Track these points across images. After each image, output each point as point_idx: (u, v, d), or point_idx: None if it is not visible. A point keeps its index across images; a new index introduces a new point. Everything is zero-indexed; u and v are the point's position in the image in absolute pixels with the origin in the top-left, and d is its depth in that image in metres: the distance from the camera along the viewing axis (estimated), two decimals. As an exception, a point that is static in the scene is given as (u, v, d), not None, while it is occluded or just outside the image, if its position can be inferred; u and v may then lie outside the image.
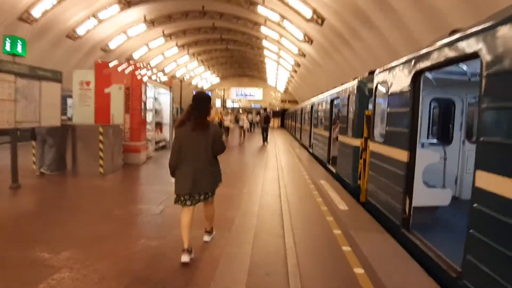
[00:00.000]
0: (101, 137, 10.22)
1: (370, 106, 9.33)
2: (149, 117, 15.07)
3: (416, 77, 5.64)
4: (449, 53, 4.60)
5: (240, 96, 63.74)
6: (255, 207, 7.14)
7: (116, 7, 23.72)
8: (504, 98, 3.32)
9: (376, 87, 7.63)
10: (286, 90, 59.72)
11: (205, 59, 46.56)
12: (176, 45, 35.69)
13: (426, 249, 5.01)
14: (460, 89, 8.01)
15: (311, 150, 18.88)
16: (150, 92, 15.14)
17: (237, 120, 26.98)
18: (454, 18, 11.49)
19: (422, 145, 7.37)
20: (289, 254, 4.72)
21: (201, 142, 4.51)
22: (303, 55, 28.52)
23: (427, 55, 5.24)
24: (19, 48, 13.15)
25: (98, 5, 23.44)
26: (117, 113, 12.19)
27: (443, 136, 8.73)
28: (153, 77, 14.12)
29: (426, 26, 12.99)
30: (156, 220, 6.20)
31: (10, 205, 7.02)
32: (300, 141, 25.90)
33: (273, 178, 10.40)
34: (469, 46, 4.03)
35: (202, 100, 4.72)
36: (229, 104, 58.10)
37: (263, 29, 28.10)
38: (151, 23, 28.12)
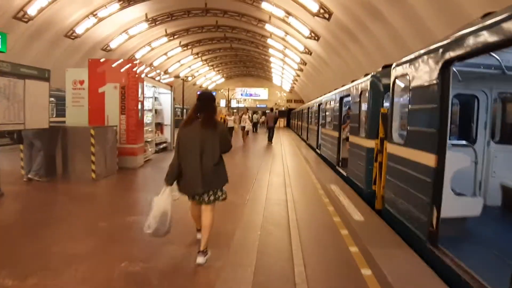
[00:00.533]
0: (92, 140, 9.50)
1: (385, 104, 8.59)
2: (148, 117, 14.38)
3: (445, 68, 4.81)
4: (490, 37, 3.79)
5: (245, 96, 62.96)
6: (258, 218, 6.34)
7: (116, 5, 23.06)
8: None
9: (394, 82, 6.80)
10: (291, 90, 58.88)
11: (209, 59, 45.80)
12: (180, 44, 34.98)
13: (459, 270, 4.21)
14: (485, 83, 7.17)
15: (318, 151, 18.06)
16: (149, 92, 14.46)
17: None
18: (472, 9, 10.62)
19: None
20: (299, 283, 3.91)
21: (209, 140, 4.46)
22: (309, 52, 27.67)
23: (459, 42, 4.42)
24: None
25: (97, 3, 22.79)
26: (112, 114, 11.45)
27: (466, 136, 7.90)
28: (152, 74, 13.37)
29: (441, 18, 12.12)
30: (144, 235, 5.41)
31: (-16, 217, 6.28)
32: (307, 141, 25.08)
33: (279, 184, 9.59)
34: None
35: (207, 99, 4.71)
36: (234, 104, 57.29)
37: (268, 27, 27.27)
38: (153, 21, 27.42)
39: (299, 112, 36.38)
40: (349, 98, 12.03)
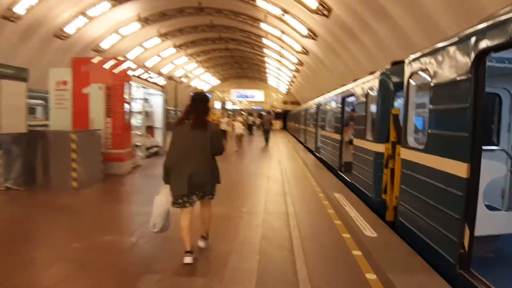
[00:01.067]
0: (73, 146, 8.65)
1: (396, 104, 7.79)
2: (138, 120, 13.55)
3: (479, 60, 4.02)
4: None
5: (241, 97, 62.04)
6: (256, 237, 5.50)
7: (107, 4, 22.17)
8: None
9: (409, 79, 6.01)
10: (288, 91, 58.11)
11: (204, 60, 44.91)
12: (174, 45, 34.12)
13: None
14: (510, 81, 6.38)
15: (318, 154, 17.25)
16: (138, 93, 13.64)
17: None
18: (486, 2, 9.86)
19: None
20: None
21: (200, 141, 4.47)
22: (307, 52, 26.88)
23: (500, 27, 3.63)
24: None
25: (87, 2, 21.89)
26: (97, 117, 10.61)
27: (485, 140, 7.11)
28: (143, 76, 12.52)
29: (451, 13, 11.34)
30: (122, 261, 4.58)
31: None
32: (305, 144, 24.27)
33: (278, 192, 8.76)
34: None
35: (201, 100, 4.72)
36: (229, 106, 56.39)
37: (264, 26, 26.47)
38: (145, 21, 26.57)
39: (296, 114, 35.57)
40: (352, 99, 11.25)
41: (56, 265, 4.34)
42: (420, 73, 5.62)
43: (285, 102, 60.73)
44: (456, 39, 4.44)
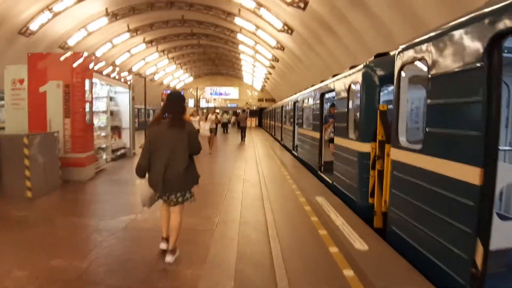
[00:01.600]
0: (26, 151, 7.70)
1: (383, 100, 7.15)
2: (102, 120, 12.55)
3: (494, 45, 3.37)
4: None
5: (215, 95, 60.90)
6: (231, 255, 4.72)
7: (72, -3, 20.87)
8: None
9: (401, 70, 5.34)
10: (263, 88, 57.43)
11: (176, 57, 43.58)
12: (144, 41, 32.85)
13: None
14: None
15: (295, 153, 16.59)
16: (102, 91, 12.63)
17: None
18: None
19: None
20: None
21: (177, 140, 4.43)
22: (282, 48, 26.19)
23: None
24: None
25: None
26: (56, 118, 9.60)
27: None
28: (109, 72, 11.52)
29: (434, 5, 10.81)
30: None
31: None
32: (281, 141, 23.62)
33: (255, 197, 8.01)
34: None
35: (176, 99, 4.70)
36: (203, 104, 55.24)
37: (238, 20, 25.60)
38: (113, 16, 25.28)
39: (271, 111, 34.85)
40: (331, 94, 10.61)
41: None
42: (415, 63, 4.96)
43: (260, 100, 60.08)
44: (465, 20, 3.77)
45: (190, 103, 52.14)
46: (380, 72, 6.88)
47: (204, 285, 3.85)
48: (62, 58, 9.64)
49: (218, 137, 29.67)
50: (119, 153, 13.84)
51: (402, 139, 5.31)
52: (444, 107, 4.11)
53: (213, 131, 17.06)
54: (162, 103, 28.18)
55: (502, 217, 4.16)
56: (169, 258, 4.48)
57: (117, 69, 13.37)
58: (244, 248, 4.96)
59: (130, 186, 9.11)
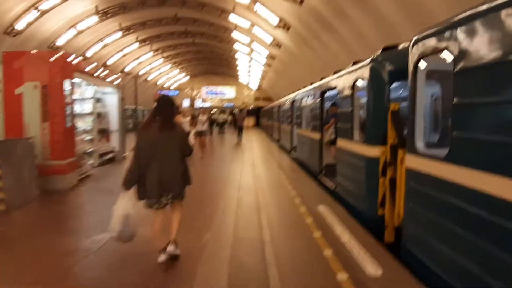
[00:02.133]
0: (-4, 159, 6.92)
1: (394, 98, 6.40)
2: (88, 123, 11.78)
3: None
4: None
5: (211, 94, 59.95)
6: (221, 285, 3.97)
7: (60, -5, 19.99)
8: None
9: (417, 63, 4.57)
10: (260, 87, 56.57)
11: (171, 56, 42.66)
12: (137, 40, 31.97)
13: None
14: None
15: (294, 155, 15.84)
16: (88, 91, 11.87)
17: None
18: None
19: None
20: None
21: (168, 143, 4.48)
22: (279, 45, 25.37)
23: None
24: None
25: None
26: (33, 122, 8.81)
27: None
28: (99, 71, 10.73)
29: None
30: None
31: None
32: (279, 142, 22.88)
33: (250, 207, 7.23)
34: None
35: (167, 102, 4.72)
36: (198, 104, 54.33)
37: (232, 17, 24.77)
38: (104, 14, 24.40)
39: (269, 110, 34.07)
40: (333, 93, 9.85)
41: None
42: (436, 55, 4.20)
43: (257, 98, 59.14)
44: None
45: (186, 103, 51.28)
46: (389, 67, 6.12)
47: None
48: (39, 57, 8.85)
49: (213, 138, 28.92)
50: (107, 157, 13.05)
51: (420, 144, 4.55)
52: (480, 108, 3.34)
53: (205, 133, 15.45)
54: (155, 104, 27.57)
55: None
56: (171, 248, 4.50)
57: (102, 68, 12.59)
58: (237, 274, 4.21)
59: (116, 195, 8.31)
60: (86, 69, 11.08)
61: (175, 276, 4.16)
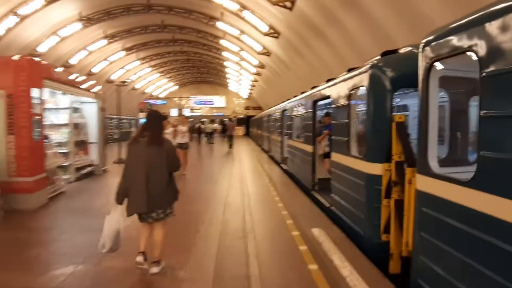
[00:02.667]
0: None
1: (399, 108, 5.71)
2: (63, 135, 10.94)
3: None
4: None
5: (199, 104, 58.98)
6: None
7: (40, 1, 19.11)
8: None
9: (429, 68, 3.87)
10: (250, 96, 55.94)
11: (158, 64, 41.80)
12: (122, 48, 31.16)
13: None
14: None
15: (284, 166, 15.09)
16: (63, 101, 11.06)
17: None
18: None
19: None
20: None
21: (156, 158, 4.52)
22: (268, 53, 24.74)
23: None
24: None
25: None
26: (-2, 134, 7.96)
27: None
28: (62, 76, 9.88)
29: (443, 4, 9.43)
30: None
31: None
32: (269, 153, 22.13)
33: (236, 231, 6.41)
34: None
35: (155, 118, 4.79)
36: (187, 113, 53.30)
37: (220, 25, 24.10)
38: (88, 20, 23.58)
39: (258, 120, 33.35)
40: (326, 102, 9.17)
41: None
42: (454, 57, 3.50)
43: (247, 108, 58.53)
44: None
45: (173, 112, 50.31)
46: (392, 73, 5.42)
47: None
48: (2, 63, 8.02)
49: (201, 148, 28.10)
50: (85, 171, 12.16)
51: (434, 164, 3.83)
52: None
53: (185, 146, 13.09)
54: (139, 113, 26.63)
55: None
56: (154, 269, 4.52)
57: (85, 77, 11.77)
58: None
59: (89, 217, 7.49)
60: (71, 77, 10.32)
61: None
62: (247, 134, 54.33)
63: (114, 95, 19.86)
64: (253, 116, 47.14)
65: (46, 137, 10.32)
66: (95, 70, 31.55)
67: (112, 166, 15.23)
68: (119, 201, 4.56)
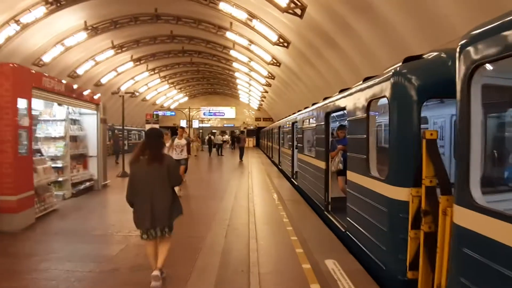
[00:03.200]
0: None
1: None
2: (59, 149, 10.31)
3: None
4: None
5: (209, 115, 58.40)
6: None
7: (42, 9, 18.73)
8: None
9: (471, 74, 3.06)
10: (260, 107, 55.31)
11: (168, 75, 41.34)
12: (131, 59, 30.76)
13: None
14: None
15: (294, 182, 14.26)
16: (60, 112, 10.46)
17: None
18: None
19: None
20: None
21: (157, 174, 4.61)
22: (278, 63, 24.04)
23: None
24: None
25: (19, 7, 18.43)
26: (-19, 148, 7.30)
27: None
28: (55, 86, 9.23)
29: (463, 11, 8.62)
30: None
31: None
32: (279, 166, 21.33)
33: (238, 263, 5.59)
34: None
35: (154, 136, 4.91)
36: (195, 125, 52.73)
37: (229, 35, 23.51)
38: (94, 30, 23.20)
39: (268, 131, 32.58)
40: (340, 114, 8.38)
41: None
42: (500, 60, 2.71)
43: (257, 119, 57.93)
44: None
45: (182, 123, 49.86)
46: (418, 81, 4.60)
47: None
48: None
49: (211, 160, 27.41)
50: (82, 186, 11.49)
51: (478, 194, 3.02)
52: None
53: (182, 163, 11.35)
54: (146, 125, 25.98)
55: None
56: (155, 272, 4.58)
57: (76, 85, 11.17)
58: None
59: (77, 241, 6.77)
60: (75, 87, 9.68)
61: None
62: (257, 145, 53.76)
63: (125, 105, 19.45)
64: (264, 127, 46.50)
65: (38, 151, 9.74)
66: (103, 80, 31.20)
67: (115, 180, 14.57)
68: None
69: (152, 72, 36.77)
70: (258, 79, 33.33)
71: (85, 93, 11.34)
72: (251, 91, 45.44)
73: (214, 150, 33.43)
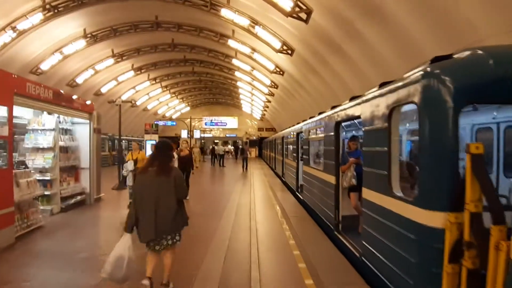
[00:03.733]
0: None
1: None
2: (47, 160, 9.58)
3: None
4: None
5: (210, 125, 57.68)
6: None
7: (39, 15, 18.16)
8: None
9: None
10: (262, 117, 54.60)
11: (170, 85, 40.72)
12: (132, 68, 30.18)
13: None
14: None
15: (300, 196, 13.45)
16: (49, 121, 9.76)
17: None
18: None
19: None
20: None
21: (165, 186, 4.64)
22: (281, 72, 23.33)
23: None
24: None
25: (16, 14, 17.86)
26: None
27: None
28: (42, 92, 8.50)
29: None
30: None
31: None
32: (283, 178, 20.51)
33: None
34: None
35: (163, 147, 5.01)
36: (197, 135, 51.95)
37: (231, 43, 22.86)
38: (93, 38, 22.63)
39: (271, 142, 31.80)
40: (359, 122, 7.60)
41: None
42: None
43: (260, 129, 57.27)
44: None
45: (183, 134, 49.12)
46: (455, 84, 3.82)
47: None
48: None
49: (213, 172, 26.67)
50: (73, 200, 10.74)
51: None
52: None
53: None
54: (145, 135, 25.28)
55: None
56: (145, 281, 4.51)
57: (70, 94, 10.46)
58: None
59: (58, 266, 6.00)
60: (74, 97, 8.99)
61: None
62: (260, 155, 53.09)
63: (126, 115, 18.72)
64: (266, 137, 45.82)
65: (22, 163, 9.02)
66: (103, 90, 30.62)
67: (110, 193, 13.81)
68: (129, 230, 4.60)
69: (154, 82, 36.18)
70: (261, 88, 32.65)
71: (76, 101, 10.60)
72: (253, 100, 44.80)
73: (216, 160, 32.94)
